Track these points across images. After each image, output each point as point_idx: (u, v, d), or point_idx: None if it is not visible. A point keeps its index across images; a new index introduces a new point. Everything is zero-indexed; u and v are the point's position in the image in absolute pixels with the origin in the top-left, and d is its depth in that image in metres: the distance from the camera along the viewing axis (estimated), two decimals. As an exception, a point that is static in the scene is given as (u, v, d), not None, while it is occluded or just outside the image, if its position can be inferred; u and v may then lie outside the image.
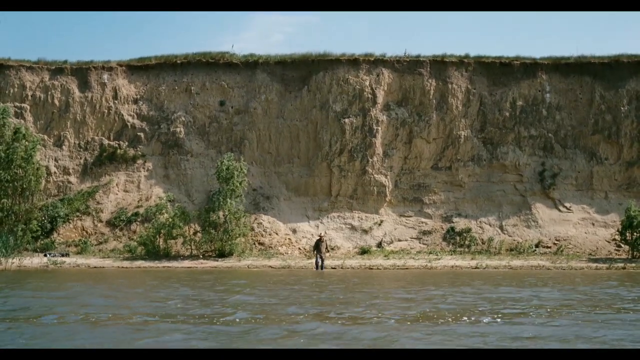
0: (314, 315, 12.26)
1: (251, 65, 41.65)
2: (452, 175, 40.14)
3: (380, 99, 40.35)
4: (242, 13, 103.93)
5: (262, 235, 37.54)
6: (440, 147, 40.51)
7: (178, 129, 40.45)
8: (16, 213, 35.12)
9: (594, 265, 33.52)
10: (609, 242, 37.52)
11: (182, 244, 35.64)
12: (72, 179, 39.54)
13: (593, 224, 38.64)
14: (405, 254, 36.23)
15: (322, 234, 33.90)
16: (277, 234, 37.75)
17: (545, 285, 20.58)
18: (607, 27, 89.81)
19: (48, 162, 39.13)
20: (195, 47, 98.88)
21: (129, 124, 40.61)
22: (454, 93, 40.72)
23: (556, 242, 37.57)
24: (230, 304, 14.22)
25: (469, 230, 38.20)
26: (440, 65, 41.22)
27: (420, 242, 38.14)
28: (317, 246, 32.06)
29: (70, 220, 37.81)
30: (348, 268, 32.21)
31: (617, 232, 36.65)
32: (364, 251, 36.69)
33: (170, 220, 35.13)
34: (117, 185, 39.45)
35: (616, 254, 36.52)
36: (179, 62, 41.80)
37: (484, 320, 11.67)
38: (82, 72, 41.06)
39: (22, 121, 38.88)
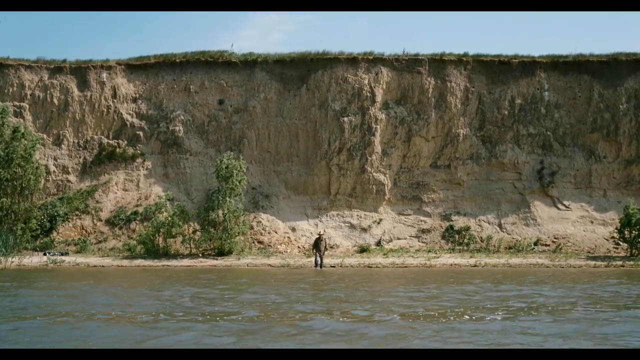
0: (323, 313, 12.33)
1: (250, 64, 41.66)
2: (451, 174, 40.20)
3: (379, 97, 40.40)
4: (241, 12, 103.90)
5: (261, 234, 37.58)
6: (439, 145, 40.57)
7: (177, 128, 40.47)
8: (15, 212, 35.18)
9: (592, 263, 33.60)
10: (607, 240, 37.59)
11: (182, 243, 35.66)
12: (72, 177, 39.54)
13: (592, 222, 38.72)
14: (404, 252, 36.29)
15: (322, 233, 33.93)
16: (276, 232, 37.79)
17: (545, 283, 20.63)
18: (605, 26, 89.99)
19: (47, 161, 39.15)
20: (194, 46, 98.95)
21: (128, 122, 40.62)
22: (452, 91, 40.77)
23: (555, 240, 37.64)
24: (238, 302, 14.28)
25: (467, 228, 38.27)
26: (439, 63, 41.26)
27: (419, 241, 38.20)
28: (317, 245, 32.14)
29: (70, 219, 37.82)
30: (347, 266, 32.29)
31: (615, 230, 36.74)
32: (363, 249, 36.74)
33: (169, 219, 35.13)
34: (116, 184, 39.47)
35: (615, 251, 36.60)
36: (177, 61, 41.82)
37: (488, 318, 11.73)
38: (81, 71, 41.05)
39: (22, 120, 38.90)
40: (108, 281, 22.25)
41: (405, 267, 32.25)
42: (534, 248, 37.04)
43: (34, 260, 32.48)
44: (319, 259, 31.45)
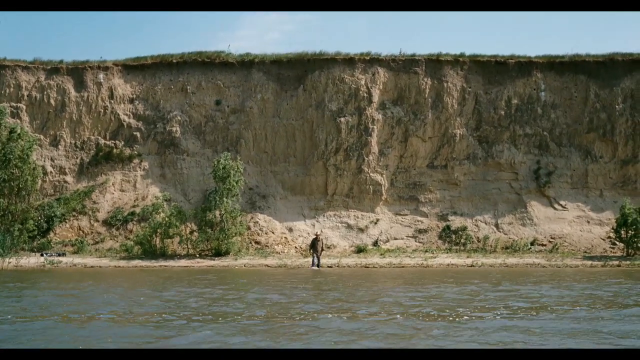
0: (328, 312, 12.39)
1: (247, 64, 41.67)
2: (448, 174, 40.26)
3: (375, 97, 40.45)
4: (239, 12, 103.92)
5: (258, 234, 37.57)
6: (435, 145, 40.63)
7: (174, 129, 40.45)
8: (12, 213, 35.14)
9: (589, 263, 33.69)
10: (603, 239, 37.69)
11: (179, 243, 35.61)
12: (69, 178, 39.49)
13: (588, 222, 38.83)
14: (401, 252, 36.33)
15: (319, 233, 33.97)
16: (273, 232, 37.79)
17: (544, 283, 20.70)
18: (602, 26, 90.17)
19: (44, 161, 39.10)
20: (192, 46, 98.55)
21: (125, 123, 40.59)
22: (449, 92, 40.84)
23: (551, 240, 37.74)
24: (244, 302, 14.31)
25: (464, 228, 38.34)
26: (435, 64, 41.33)
27: (416, 241, 38.24)
28: (314, 245, 32.21)
29: (67, 220, 37.76)
30: (344, 266, 32.32)
31: (612, 230, 36.85)
32: (360, 250, 36.75)
33: (166, 219, 35.08)
34: (113, 184, 39.43)
35: (611, 251, 36.71)
36: (174, 61, 41.80)
37: (488, 318, 11.78)
38: (78, 72, 41.01)
39: (18, 121, 38.81)
40: (108, 282, 22.24)
41: (403, 267, 32.29)
42: (530, 248, 37.12)
43: (31, 261, 32.42)
44: (316, 259, 31.52)
